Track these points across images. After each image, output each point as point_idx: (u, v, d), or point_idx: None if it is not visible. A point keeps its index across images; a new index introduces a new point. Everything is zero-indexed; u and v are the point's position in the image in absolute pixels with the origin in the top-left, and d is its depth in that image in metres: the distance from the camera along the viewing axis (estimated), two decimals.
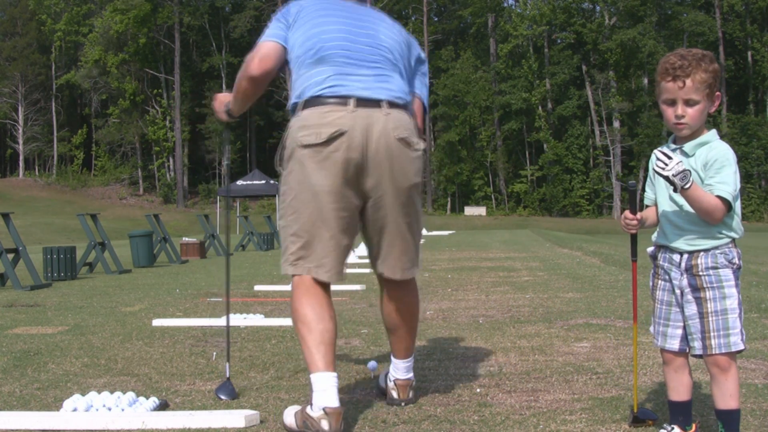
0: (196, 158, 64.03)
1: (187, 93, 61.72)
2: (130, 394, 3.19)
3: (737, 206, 2.50)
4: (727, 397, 2.51)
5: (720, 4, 61.17)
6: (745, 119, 60.44)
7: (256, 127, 64.93)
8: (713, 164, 2.47)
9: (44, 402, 3.37)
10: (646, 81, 60.97)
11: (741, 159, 58.89)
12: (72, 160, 66.61)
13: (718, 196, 2.43)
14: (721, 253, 2.51)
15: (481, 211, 59.04)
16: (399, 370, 3.24)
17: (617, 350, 4.33)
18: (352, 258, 13.32)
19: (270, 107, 65.38)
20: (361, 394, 3.42)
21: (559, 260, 12.53)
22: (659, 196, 2.64)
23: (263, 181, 36.03)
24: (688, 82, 2.46)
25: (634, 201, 2.65)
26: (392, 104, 2.92)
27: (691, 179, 2.43)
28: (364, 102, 2.86)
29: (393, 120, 2.90)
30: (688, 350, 2.59)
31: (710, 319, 2.50)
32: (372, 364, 3.74)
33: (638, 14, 59.83)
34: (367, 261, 11.83)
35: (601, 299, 6.78)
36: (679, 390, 2.63)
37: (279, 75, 3.24)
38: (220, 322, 5.70)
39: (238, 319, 5.71)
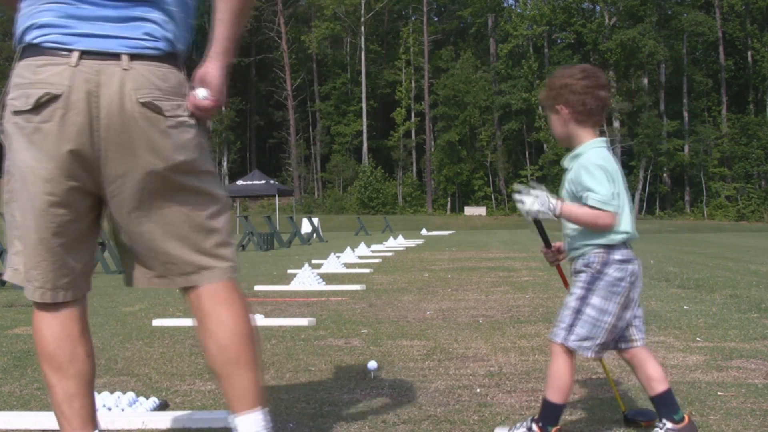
0: None
1: None
2: (130, 394, 3.19)
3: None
4: (548, 386, 2.59)
5: (720, 4, 61.14)
6: (745, 119, 60.41)
7: (256, 127, 64.93)
8: (576, 177, 2.55)
9: (44, 402, 3.36)
10: (646, 81, 60.94)
11: (741, 159, 58.93)
12: None
13: (590, 205, 2.48)
14: (585, 258, 2.59)
15: (481, 211, 59.05)
16: None
17: None
18: (351, 258, 13.31)
19: (270, 107, 65.37)
20: (361, 394, 3.42)
21: None
22: None
23: (263, 181, 36.04)
24: (540, 98, 2.71)
25: (542, 232, 2.76)
26: (138, 57, 2.09)
27: (554, 203, 2.50)
28: (93, 54, 2.06)
29: (135, 77, 2.08)
30: (632, 344, 2.63)
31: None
32: (372, 364, 3.74)
33: (638, 14, 59.80)
34: (366, 261, 11.74)
35: None
36: (650, 385, 2.64)
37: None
38: None
39: None
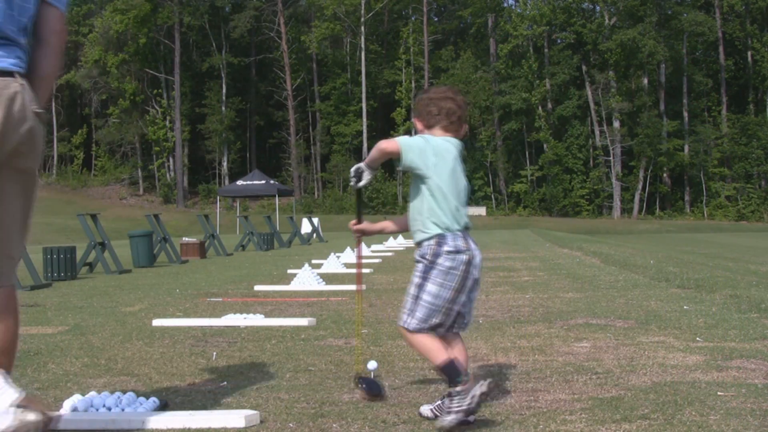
0: (196, 158, 63.98)
1: (187, 93, 61.67)
2: (130, 394, 3.19)
3: (422, 205, 2.95)
4: (428, 359, 2.90)
5: (720, 4, 61.11)
6: (745, 119, 60.37)
7: (256, 127, 64.90)
8: None
9: (44, 402, 3.36)
10: (645, 81, 60.90)
11: (741, 159, 58.91)
12: (72, 160, 66.58)
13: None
14: (420, 249, 2.94)
15: (481, 211, 59.02)
16: None
17: (617, 350, 4.33)
18: (351, 258, 13.30)
19: (270, 107, 65.35)
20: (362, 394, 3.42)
21: (559, 260, 12.53)
22: None
23: (263, 181, 36.06)
24: None
25: (359, 203, 3.38)
26: (22, 75, 2.57)
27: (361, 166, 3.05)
28: None
29: (28, 91, 2.55)
30: (450, 330, 3.01)
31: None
32: (372, 364, 3.74)
33: (638, 14, 59.77)
34: (366, 261, 11.75)
35: (601, 299, 6.79)
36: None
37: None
38: (220, 322, 5.70)
39: (238, 319, 5.71)
